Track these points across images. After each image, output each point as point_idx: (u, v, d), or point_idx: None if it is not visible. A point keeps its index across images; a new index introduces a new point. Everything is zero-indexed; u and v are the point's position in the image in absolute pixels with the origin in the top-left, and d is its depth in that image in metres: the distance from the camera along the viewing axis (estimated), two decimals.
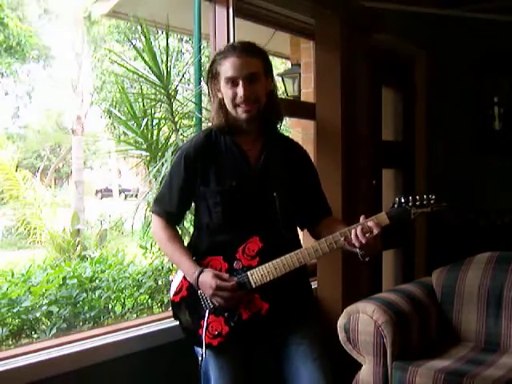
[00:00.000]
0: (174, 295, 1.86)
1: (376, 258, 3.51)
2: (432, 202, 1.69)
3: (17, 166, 7.84)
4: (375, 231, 1.68)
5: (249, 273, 1.74)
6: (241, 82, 1.75)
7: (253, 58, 1.79)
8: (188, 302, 1.83)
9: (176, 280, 1.86)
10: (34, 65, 12.50)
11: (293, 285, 1.82)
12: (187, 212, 2.02)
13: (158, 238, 1.90)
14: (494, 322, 2.62)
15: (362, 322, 2.42)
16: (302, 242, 2.01)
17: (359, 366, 2.49)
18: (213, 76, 1.82)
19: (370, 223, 1.69)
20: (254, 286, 1.74)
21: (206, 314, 1.77)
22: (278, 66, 8.46)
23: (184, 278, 1.83)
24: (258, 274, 1.73)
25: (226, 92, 1.78)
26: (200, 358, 1.82)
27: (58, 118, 16.11)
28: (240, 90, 1.75)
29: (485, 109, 4.00)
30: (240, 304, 1.76)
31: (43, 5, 12.16)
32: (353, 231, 1.69)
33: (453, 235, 3.81)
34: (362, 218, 1.71)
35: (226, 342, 1.77)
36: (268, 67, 1.84)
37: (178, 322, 1.89)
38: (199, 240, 1.87)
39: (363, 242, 1.67)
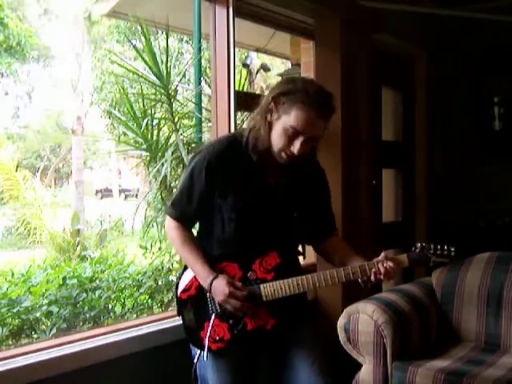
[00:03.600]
0: (181, 292, 1.85)
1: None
2: (452, 253, 1.75)
3: (17, 166, 7.84)
4: (392, 273, 1.73)
5: (262, 286, 1.75)
6: (301, 139, 1.67)
7: (326, 120, 1.71)
8: (195, 301, 1.82)
9: (186, 277, 1.85)
10: (34, 65, 12.49)
11: (298, 301, 1.84)
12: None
13: (173, 239, 1.88)
14: (494, 321, 2.61)
15: (362, 322, 2.41)
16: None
17: (359, 365, 2.49)
18: (279, 103, 1.69)
19: (391, 264, 1.73)
20: (264, 299, 1.75)
21: (212, 318, 1.78)
22: (278, 65, 8.47)
23: (195, 277, 1.83)
24: (271, 289, 1.74)
25: (281, 133, 1.69)
26: (196, 360, 1.82)
27: (58, 117, 16.10)
28: (296, 146, 1.68)
29: (485, 109, 4.00)
30: (247, 314, 1.76)
31: (43, 5, 12.15)
32: (374, 269, 1.74)
33: (453, 235, 3.81)
34: (382, 255, 1.75)
35: (226, 348, 1.77)
36: (328, 124, 1.74)
37: (180, 321, 1.89)
38: (209, 247, 1.85)
39: (378, 279, 1.73)
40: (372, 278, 1.73)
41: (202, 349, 1.77)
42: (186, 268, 1.87)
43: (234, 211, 1.77)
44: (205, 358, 1.77)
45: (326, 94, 1.71)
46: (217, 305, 1.78)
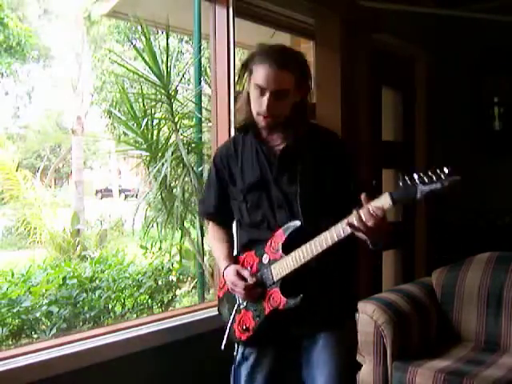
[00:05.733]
0: (219, 290, 1.94)
1: (376, 258, 3.51)
2: (442, 176, 1.43)
3: (17, 166, 7.84)
4: (379, 213, 1.52)
5: (272, 266, 1.75)
6: (267, 95, 1.69)
7: (286, 73, 1.69)
8: (228, 296, 1.88)
9: (221, 276, 1.91)
10: (34, 65, 12.47)
11: (315, 284, 1.76)
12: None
13: (208, 237, 2.01)
14: (494, 321, 2.61)
15: (362, 322, 2.41)
16: None
17: (359, 366, 2.49)
18: (246, 71, 1.77)
19: (372, 205, 1.53)
20: (275, 278, 1.74)
21: (240, 308, 1.82)
22: None
23: None
24: (279, 267, 1.74)
25: (252, 95, 1.74)
26: (235, 353, 1.85)
27: (58, 117, 16.09)
28: (264, 103, 1.70)
29: (485, 109, 3.99)
30: (263, 299, 1.76)
31: (43, 5, 12.15)
32: (357, 215, 1.54)
33: (453, 235, 3.81)
34: (362, 197, 1.56)
35: (254, 336, 1.79)
36: (302, 79, 1.74)
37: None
38: (239, 236, 1.93)
39: (370, 224, 1.52)
40: (362, 227, 1.53)
41: (238, 341, 1.82)
42: None
43: (242, 193, 1.82)
44: (237, 351, 1.82)
45: (283, 47, 1.78)
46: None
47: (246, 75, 1.78)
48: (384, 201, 1.53)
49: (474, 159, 3.90)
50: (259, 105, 1.71)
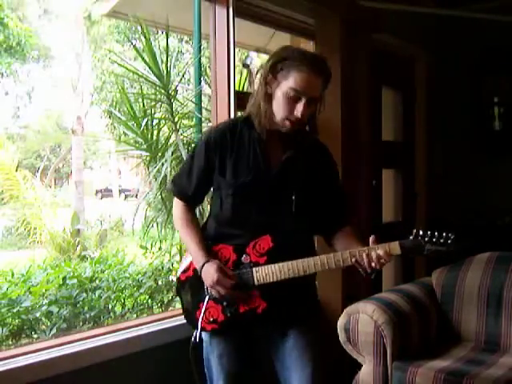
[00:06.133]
0: (181, 273, 1.89)
1: None
2: (449, 241, 1.63)
3: (17, 166, 7.84)
4: (385, 260, 1.65)
5: (254, 269, 1.75)
6: (303, 101, 1.69)
7: (321, 81, 1.72)
8: (192, 282, 1.85)
9: (187, 259, 1.88)
10: (34, 65, 12.46)
11: (295, 290, 1.81)
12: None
13: (175, 219, 1.91)
14: (494, 321, 2.61)
15: (362, 321, 2.42)
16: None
17: (359, 365, 2.49)
18: (276, 71, 1.71)
19: (381, 252, 1.66)
20: (256, 283, 1.75)
21: (206, 299, 1.79)
22: None
23: None
24: (263, 273, 1.74)
25: (282, 99, 1.71)
26: (192, 340, 1.83)
27: (58, 118, 16.09)
28: (299, 109, 1.69)
29: (485, 109, 4.00)
30: (238, 298, 1.77)
31: (43, 5, 12.14)
32: (364, 256, 1.66)
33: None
34: (371, 240, 1.69)
35: (220, 329, 1.79)
36: (325, 89, 1.77)
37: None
38: (210, 226, 1.88)
39: (373, 267, 1.66)
40: (366, 266, 1.66)
41: (197, 329, 1.80)
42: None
43: (232, 187, 1.77)
44: (197, 339, 1.79)
45: (320, 56, 1.79)
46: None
47: (272, 75, 1.72)
48: (394, 249, 1.67)
49: (474, 159, 3.91)
50: (290, 110, 1.70)
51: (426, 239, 1.64)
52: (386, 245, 1.67)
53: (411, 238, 1.66)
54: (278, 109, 1.72)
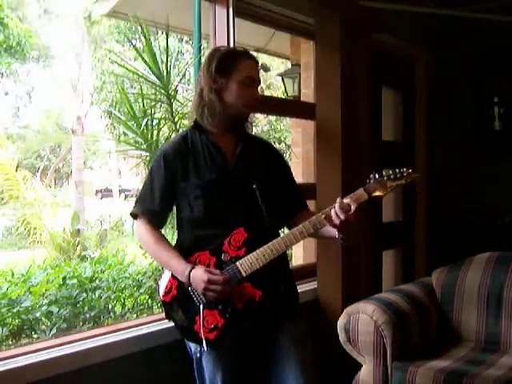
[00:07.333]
0: (164, 295, 1.87)
1: (376, 258, 3.51)
2: (405, 174, 1.73)
3: (17, 166, 7.84)
4: (353, 207, 1.71)
5: (238, 263, 1.77)
6: (256, 85, 1.87)
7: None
8: (179, 300, 1.84)
9: (164, 280, 1.87)
10: (34, 65, 12.48)
11: (282, 275, 1.89)
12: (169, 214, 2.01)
13: (144, 241, 1.91)
14: (494, 321, 2.62)
15: (362, 322, 2.42)
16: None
17: (359, 365, 2.49)
18: (223, 68, 1.83)
19: (348, 200, 1.73)
20: (244, 274, 1.76)
21: (201, 309, 1.79)
22: (278, 65, 8.46)
23: (172, 277, 1.84)
24: (248, 263, 1.76)
25: (238, 89, 1.83)
26: (198, 355, 1.84)
27: (57, 118, 16.11)
28: (256, 92, 1.87)
29: (485, 109, 4.00)
30: (232, 295, 1.77)
31: (43, 5, 12.14)
32: (333, 209, 1.73)
33: (453, 235, 3.81)
34: (339, 198, 1.75)
35: (223, 333, 1.78)
36: None
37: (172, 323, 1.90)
38: (183, 236, 1.89)
39: (342, 217, 1.71)
40: (336, 220, 1.72)
41: (201, 342, 1.78)
42: (163, 271, 1.90)
43: (199, 188, 1.82)
44: (204, 350, 1.80)
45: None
46: (201, 295, 1.79)
47: (220, 74, 1.83)
48: (359, 194, 1.75)
49: (474, 159, 3.91)
50: (248, 95, 1.84)
51: (385, 178, 1.73)
52: (351, 195, 1.75)
53: (371, 181, 1.74)
54: (236, 99, 1.83)
